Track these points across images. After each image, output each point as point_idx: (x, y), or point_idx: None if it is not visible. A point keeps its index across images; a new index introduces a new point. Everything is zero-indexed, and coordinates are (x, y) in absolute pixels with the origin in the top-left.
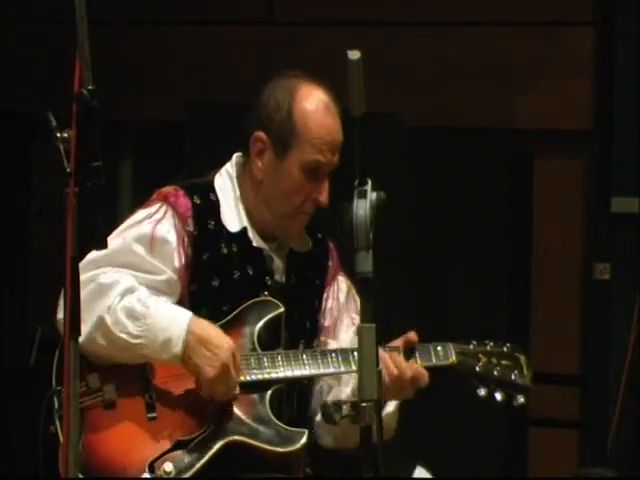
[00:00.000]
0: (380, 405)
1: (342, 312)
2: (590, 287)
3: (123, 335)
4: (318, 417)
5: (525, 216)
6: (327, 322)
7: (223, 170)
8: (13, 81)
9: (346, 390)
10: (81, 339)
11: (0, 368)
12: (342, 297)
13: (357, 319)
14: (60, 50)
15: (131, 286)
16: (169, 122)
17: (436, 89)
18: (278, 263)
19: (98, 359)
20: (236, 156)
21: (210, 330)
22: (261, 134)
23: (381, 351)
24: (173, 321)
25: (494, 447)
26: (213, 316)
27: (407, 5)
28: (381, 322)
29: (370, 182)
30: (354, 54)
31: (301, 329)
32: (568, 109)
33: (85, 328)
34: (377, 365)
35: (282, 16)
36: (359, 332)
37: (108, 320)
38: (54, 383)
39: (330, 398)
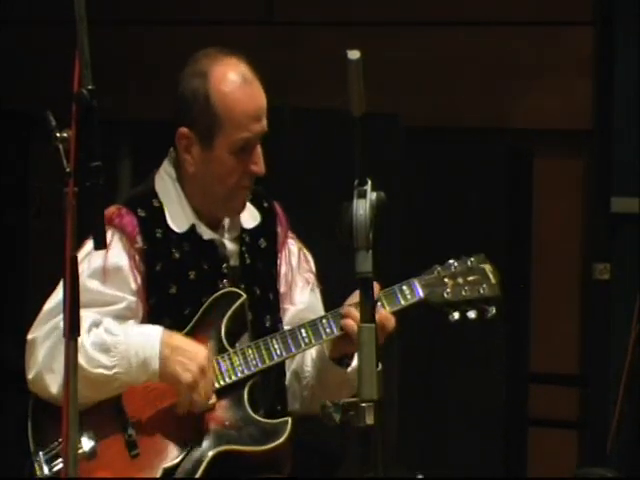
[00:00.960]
0: (380, 405)
1: (295, 275)
2: (590, 287)
3: (99, 370)
4: (286, 381)
5: (525, 216)
6: (283, 288)
7: (162, 170)
8: (12, 81)
9: (311, 352)
10: (57, 390)
11: None
12: (294, 260)
13: (312, 277)
14: (60, 50)
15: (94, 320)
16: (169, 122)
17: (436, 89)
18: (231, 248)
19: (80, 404)
20: (170, 152)
21: (182, 340)
22: (184, 130)
23: (345, 308)
24: (145, 341)
25: (494, 447)
26: (177, 323)
27: (407, 5)
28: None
29: (370, 182)
30: (354, 54)
31: (265, 304)
32: (568, 109)
33: (59, 377)
34: (377, 365)
35: (282, 16)
36: (359, 332)
37: (81, 360)
38: (32, 448)
39: (295, 365)
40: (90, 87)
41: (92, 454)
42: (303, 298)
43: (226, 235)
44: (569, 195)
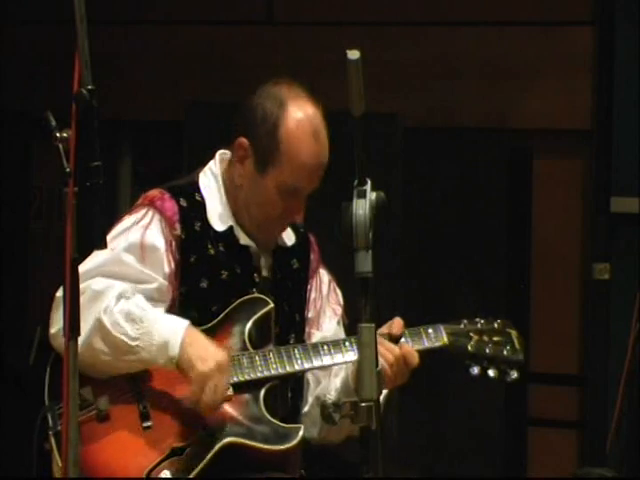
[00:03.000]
0: (379, 405)
1: (324, 304)
2: (590, 287)
3: (121, 337)
4: (305, 409)
5: (525, 216)
6: (311, 313)
7: (207, 169)
8: (13, 81)
9: (336, 381)
10: (79, 348)
11: None
12: (324, 289)
13: (339, 310)
14: (60, 50)
15: (125, 290)
16: (169, 122)
17: (436, 89)
18: (265, 260)
19: (93, 368)
20: (220, 153)
21: (206, 339)
22: (244, 141)
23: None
24: (171, 326)
25: (494, 447)
26: (203, 317)
27: (407, 5)
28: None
29: (369, 182)
30: (354, 54)
31: (291, 322)
32: (568, 109)
33: (82, 336)
34: (377, 365)
35: (282, 16)
36: (359, 332)
37: (106, 322)
38: (46, 400)
39: (319, 391)
40: (90, 87)
41: (106, 416)
42: (330, 326)
43: (261, 247)
44: (569, 195)
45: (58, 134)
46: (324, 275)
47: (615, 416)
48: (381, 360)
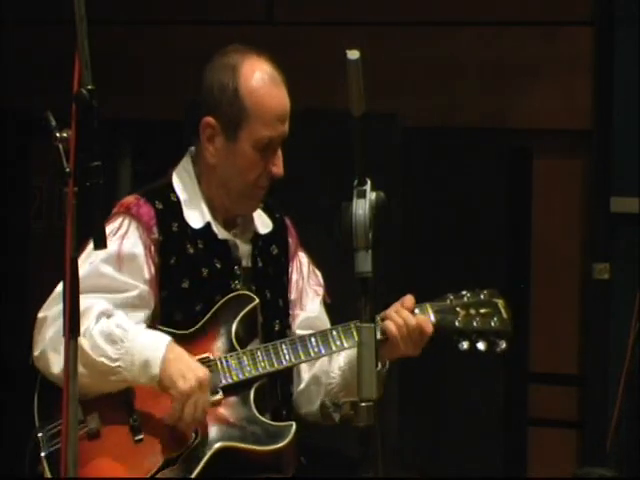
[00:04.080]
0: (378, 405)
1: (306, 285)
2: (590, 287)
3: (101, 359)
4: (301, 386)
5: (525, 216)
6: (293, 295)
7: (180, 167)
8: (13, 81)
9: (339, 360)
10: (58, 370)
11: None
12: (305, 270)
13: (320, 291)
14: (60, 50)
15: (105, 309)
16: (169, 122)
17: (436, 89)
18: (244, 249)
19: (80, 391)
20: (189, 150)
21: (187, 356)
22: (210, 119)
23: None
24: (151, 344)
25: (494, 447)
26: (188, 318)
27: (407, 5)
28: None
29: (369, 182)
30: (353, 54)
31: (275, 309)
32: (568, 109)
33: (62, 359)
34: (376, 365)
35: (282, 16)
36: (359, 332)
37: (86, 345)
38: (37, 422)
39: (317, 370)
40: (90, 87)
41: (96, 434)
42: (314, 307)
43: (239, 237)
44: (569, 195)
45: (58, 134)
46: (303, 257)
47: (615, 416)
48: (391, 326)
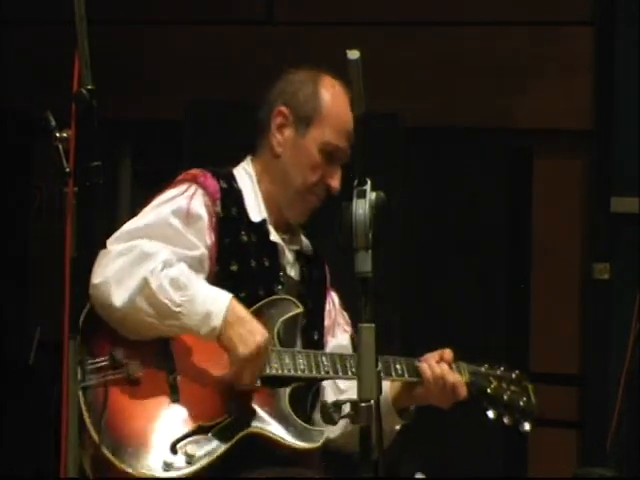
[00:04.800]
0: (379, 405)
1: (337, 317)
2: (590, 287)
3: (166, 301)
4: (317, 415)
5: (525, 216)
6: (327, 322)
7: (240, 168)
8: (13, 81)
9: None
10: (120, 302)
11: None
12: (337, 306)
13: (349, 329)
14: (60, 50)
15: (170, 258)
16: (169, 122)
17: (436, 89)
18: (289, 258)
19: (133, 327)
20: (249, 157)
21: (248, 314)
22: (283, 108)
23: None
24: (214, 297)
25: (494, 447)
26: None
27: (407, 5)
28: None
29: (369, 182)
30: (354, 54)
31: (315, 320)
32: (568, 109)
33: (126, 291)
34: (376, 365)
35: (282, 16)
36: (359, 332)
37: (152, 283)
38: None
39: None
40: (90, 87)
41: (136, 381)
42: (343, 338)
43: (287, 244)
44: (569, 195)
45: (58, 134)
46: (334, 296)
47: (615, 416)
48: (428, 373)
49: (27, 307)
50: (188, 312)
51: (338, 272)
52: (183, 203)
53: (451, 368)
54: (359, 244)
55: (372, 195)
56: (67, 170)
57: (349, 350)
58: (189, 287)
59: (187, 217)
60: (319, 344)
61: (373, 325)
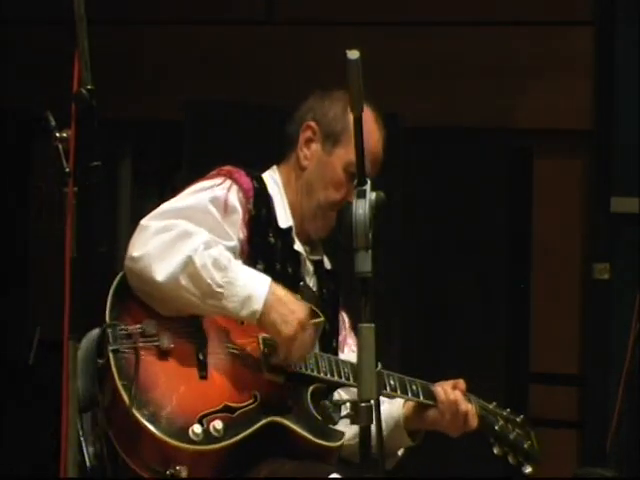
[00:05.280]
0: (379, 405)
1: (347, 335)
2: (590, 287)
3: (209, 280)
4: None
5: (525, 216)
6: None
7: (267, 175)
8: (13, 81)
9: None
10: (163, 277)
11: None
12: (347, 326)
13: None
14: (60, 50)
15: (210, 240)
16: (169, 122)
17: (436, 89)
18: (309, 269)
19: (172, 303)
20: (274, 166)
21: (288, 294)
22: (313, 124)
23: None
24: (254, 280)
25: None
26: None
27: (407, 5)
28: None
29: (369, 182)
30: (353, 54)
31: (332, 330)
32: (568, 109)
33: (168, 267)
34: (376, 365)
35: (282, 16)
36: (359, 332)
37: (197, 261)
38: (108, 318)
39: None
40: (90, 87)
41: (166, 352)
42: (351, 357)
43: (309, 256)
44: (569, 195)
45: (58, 134)
46: (345, 316)
47: (615, 416)
48: (442, 396)
49: (27, 307)
50: (230, 294)
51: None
52: (221, 194)
53: (465, 397)
54: (359, 244)
55: (372, 195)
56: (67, 170)
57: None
58: (230, 269)
59: (225, 208)
60: (336, 353)
61: (373, 325)
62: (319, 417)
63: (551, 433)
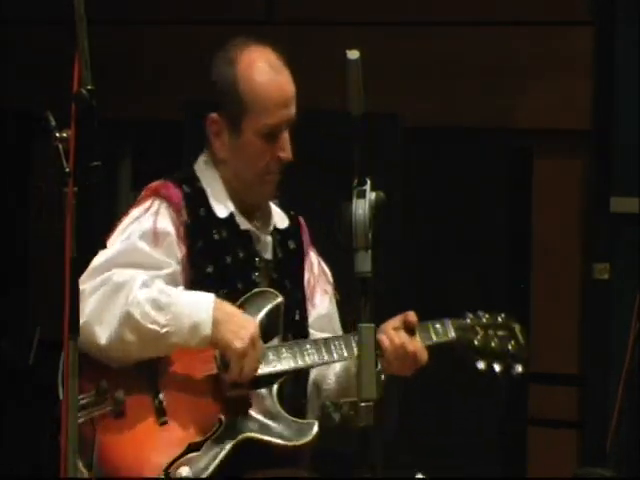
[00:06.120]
0: (380, 405)
1: (316, 283)
2: (590, 287)
3: (152, 326)
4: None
5: (525, 216)
6: (307, 292)
7: (200, 160)
8: (13, 81)
9: (335, 366)
10: (106, 340)
11: None
12: (315, 270)
13: (330, 289)
14: (60, 50)
15: (146, 279)
16: (169, 122)
17: (436, 89)
18: (265, 241)
19: (122, 360)
20: (206, 150)
21: (234, 309)
22: (214, 116)
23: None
24: (197, 305)
25: (494, 447)
26: None
27: (407, 5)
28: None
29: (369, 182)
30: (353, 54)
31: (295, 299)
32: (568, 109)
33: (110, 328)
34: (376, 365)
35: (282, 16)
36: (359, 332)
37: (135, 313)
38: (61, 393)
39: (316, 376)
40: (90, 87)
41: (121, 411)
42: (324, 304)
43: (260, 229)
44: (569, 195)
45: (58, 134)
46: (314, 256)
47: (615, 416)
48: (386, 344)
49: (27, 307)
50: (177, 329)
51: (338, 271)
52: (148, 224)
53: (413, 333)
54: (359, 244)
55: (372, 195)
56: (67, 170)
57: (330, 315)
58: (171, 304)
59: (154, 237)
60: (302, 324)
61: (373, 325)
62: (288, 415)
63: (551, 433)
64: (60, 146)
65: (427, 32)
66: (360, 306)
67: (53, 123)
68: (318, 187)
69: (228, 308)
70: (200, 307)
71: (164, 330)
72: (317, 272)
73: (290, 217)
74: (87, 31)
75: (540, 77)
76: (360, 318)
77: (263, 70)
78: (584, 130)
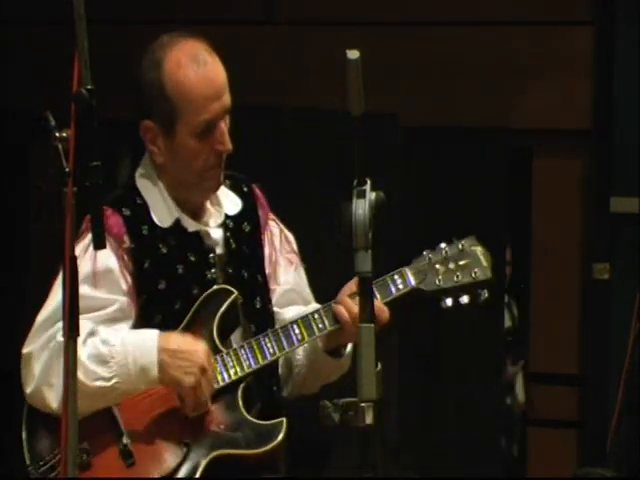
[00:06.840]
0: (380, 405)
1: (278, 256)
2: (590, 287)
3: (98, 383)
4: (279, 370)
5: (525, 216)
6: (268, 269)
7: (141, 168)
8: (13, 81)
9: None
10: (57, 404)
11: None
12: (277, 241)
13: (294, 258)
14: (60, 50)
15: (89, 331)
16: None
17: (436, 89)
18: (216, 236)
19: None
20: (146, 154)
21: (179, 341)
22: (147, 122)
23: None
24: (141, 349)
25: (494, 447)
26: (168, 319)
27: (407, 5)
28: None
29: (369, 182)
30: (353, 54)
31: (254, 287)
32: (568, 109)
33: (58, 392)
34: (376, 365)
35: (282, 16)
36: (359, 332)
37: (80, 375)
38: (27, 459)
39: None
40: (90, 87)
41: (87, 465)
42: (288, 278)
43: (210, 224)
44: (569, 195)
45: (57, 134)
46: (274, 227)
47: (615, 416)
48: (344, 314)
49: (27, 308)
50: (124, 378)
51: (338, 271)
52: (87, 267)
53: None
54: (359, 244)
55: (372, 195)
56: (67, 170)
57: (296, 288)
58: (114, 353)
59: (94, 279)
60: (264, 310)
61: (373, 325)
62: (254, 419)
63: (551, 433)
64: (60, 146)
65: (427, 32)
66: (360, 306)
67: (53, 123)
68: (318, 187)
69: (172, 343)
70: (144, 351)
71: (111, 383)
72: (279, 244)
73: (243, 194)
74: (87, 31)
75: (540, 77)
76: (360, 318)
77: (188, 67)
78: (584, 130)
